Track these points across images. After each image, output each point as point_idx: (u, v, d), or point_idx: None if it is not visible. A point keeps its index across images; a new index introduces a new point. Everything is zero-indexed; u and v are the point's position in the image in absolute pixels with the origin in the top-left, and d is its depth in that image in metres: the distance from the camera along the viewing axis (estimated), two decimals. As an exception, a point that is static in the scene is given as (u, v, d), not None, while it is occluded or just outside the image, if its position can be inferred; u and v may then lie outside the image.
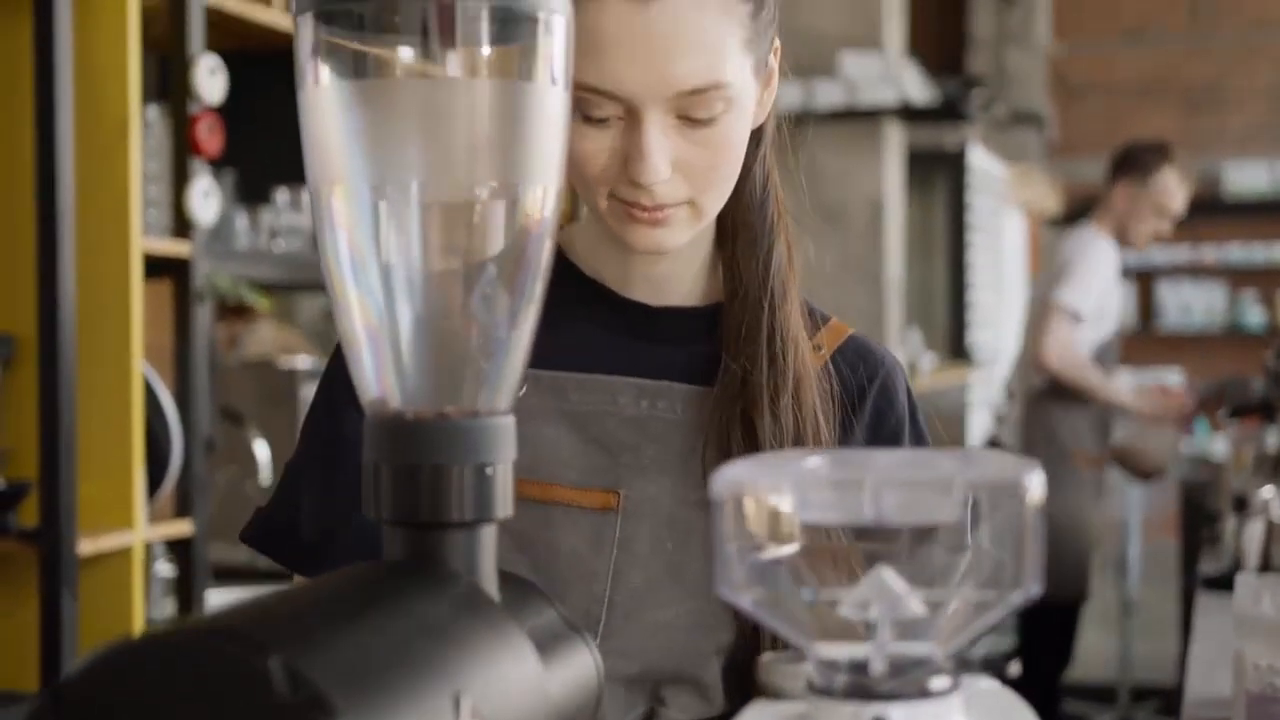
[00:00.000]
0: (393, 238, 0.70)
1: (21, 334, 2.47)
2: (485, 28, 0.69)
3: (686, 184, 1.08)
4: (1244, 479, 3.52)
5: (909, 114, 5.61)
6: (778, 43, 1.15)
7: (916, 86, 5.70)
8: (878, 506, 0.62)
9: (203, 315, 2.75)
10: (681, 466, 1.13)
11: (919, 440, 1.21)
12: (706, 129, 1.07)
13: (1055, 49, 9.52)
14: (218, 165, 2.86)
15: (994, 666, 4.40)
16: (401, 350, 0.70)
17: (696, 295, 1.20)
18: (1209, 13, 9.51)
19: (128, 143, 2.52)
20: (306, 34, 0.69)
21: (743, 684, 1.12)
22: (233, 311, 3.52)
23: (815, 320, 1.21)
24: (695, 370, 1.15)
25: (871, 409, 1.19)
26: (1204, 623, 2.48)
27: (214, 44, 2.79)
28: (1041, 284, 4.14)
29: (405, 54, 0.72)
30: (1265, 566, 2.65)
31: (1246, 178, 9.41)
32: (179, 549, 2.82)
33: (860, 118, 5.49)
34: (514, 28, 0.70)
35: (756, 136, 1.18)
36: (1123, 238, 4.08)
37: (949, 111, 5.86)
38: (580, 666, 0.74)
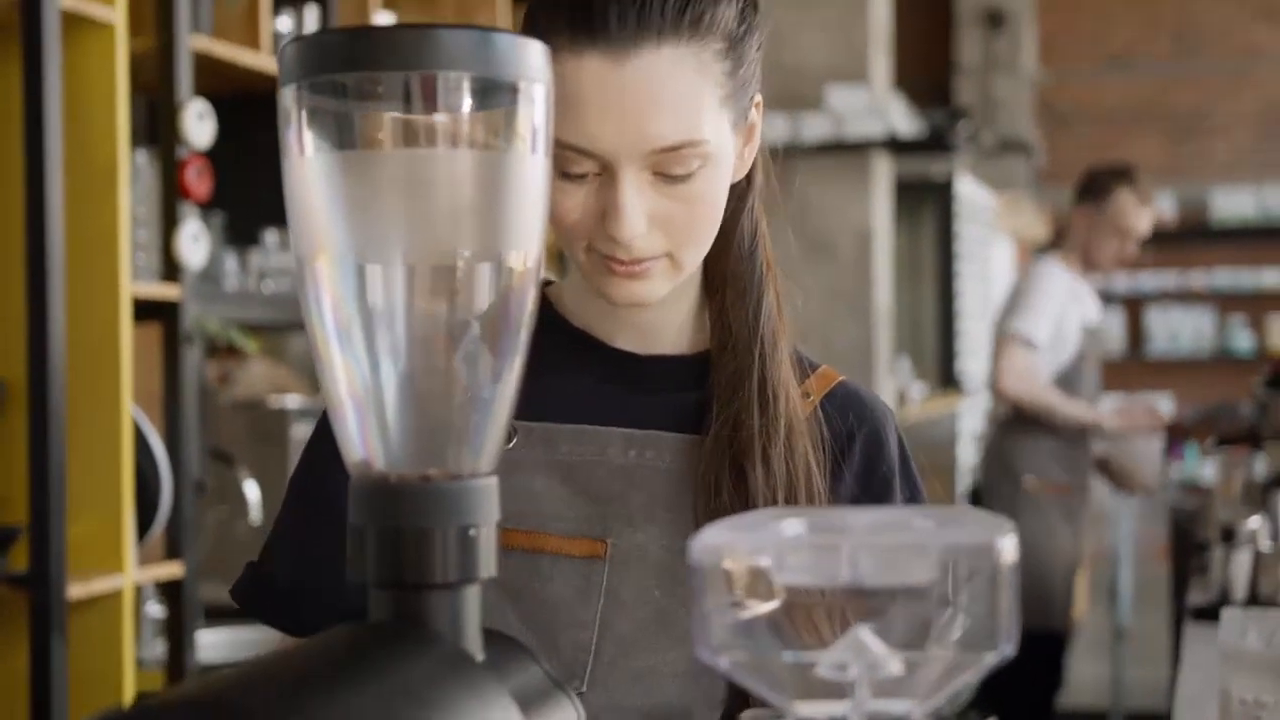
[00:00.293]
0: (376, 305, 0.71)
1: (11, 378, 2.48)
2: (466, 97, 0.70)
3: (664, 238, 1.10)
4: (1232, 508, 3.53)
5: (896, 146, 5.64)
6: (759, 97, 1.16)
7: (903, 118, 5.73)
8: (855, 569, 0.63)
9: (192, 358, 2.76)
10: (669, 515, 1.14)
11: (911, 487, 1.22)
12: (683, 185, 1.09)
13: (1042, 77, 9.58)
14: (206, 207, 2.87)
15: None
16: (385, 414, 0.71)
17: (684, 344, 1.21)
18: (1195, 41, 9.58)
19: (117, 187, 2.53)
20: (292, 105, 0.71)
21: None
22: (225, 349, 3.53)
23: (804, 368, 1.22)
24: (684, 419, 1.17)
25: (861, 456, 1.20)
26: (1191, 654, 2.49)
27: (203, 86, 2.81)
28: (1001, 315, 4.18)
29: (388, 124, 0.74)
30: (1253, 597, 2.66)
31: (1233, 204, 9.46)
32: (169, 589, 2.82)
33: (848, 150, 5.52)
34: (495, 97, 0.71)
35: (743, 188, 1.19)
36: (1088, 263, 4.10)
37: (936, 143, 5.89)
38: (564, 725, 0.74)
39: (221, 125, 2.78)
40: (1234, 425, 6.94)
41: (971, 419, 6.99)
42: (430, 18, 3.64)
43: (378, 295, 0.71)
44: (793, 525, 0.66)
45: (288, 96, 0.71)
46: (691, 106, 1.07)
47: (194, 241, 2.73)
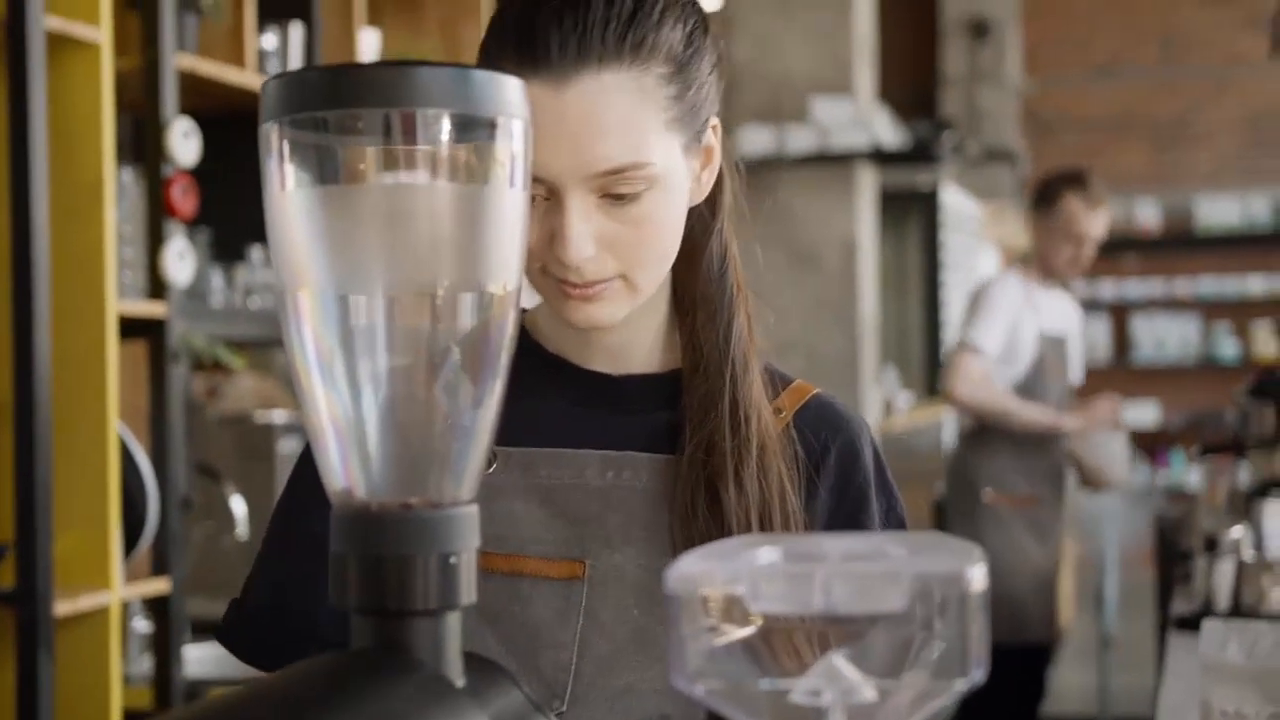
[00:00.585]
0: (358, 335, 0.72)
1: (-2, 396, 2.48)
2: (446, 133, 0.72)
3: (615, 260, 1.11)
4: (1216, 517, 3.54)
5: (881, 157, 5.66)
6: (715, 120, 1.17)
7: (887, 130, 5.75)
8: (828, 597, 0.64)
9: (178, 375, 2.77)
10: (646, 535, 1.15)
11: (888, 497, 1.23)
12: (630, 207, 1.10)
13: (1027, 86, 9.60)
14: (192, 224, 2.88)
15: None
16: (367, 443, 0.73)
17: (656, 362, 1.22)
18: (1179, 49, 9.61)
19: (103, 205, 2.54)
20: (273, 141, 0.72)
21: None
22: (213, 363, 3.54)
23: (777, 383, 1.23)
24: (659, 438, 1.18)
25: (836, 469, 1.20)
26: (1174, 664, 2.50)
27: (188, 104, 2.82)
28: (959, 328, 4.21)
29: (369, 160, 0.75)
30: (1236, 607, 2.66)
31: (1218, 211, 9.49)
32: (156, 605, 2.82)
33: (832, 161, 5.54)
34: (473, 132, 0.73)
35: (711, 210, 1.21)
36: (1048, 270, 4.10)
37: (920, 154, 5.91)
38: (543, 749, 0.75)
39: (207, 142, 2.79)
40: (1219, 433, 6.97)
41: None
42: (414, 35, 3.65)
43: (359, 326, 0.72)
44: (767, 553, 0.67)
45: (269, 133, 0.72)
46: (634, 130, 1.08)
47: (180, 259, 2.74)
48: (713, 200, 1.21)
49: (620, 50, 1.08)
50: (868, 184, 5.77)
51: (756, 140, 5.63)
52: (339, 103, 0.71)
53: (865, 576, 0.65)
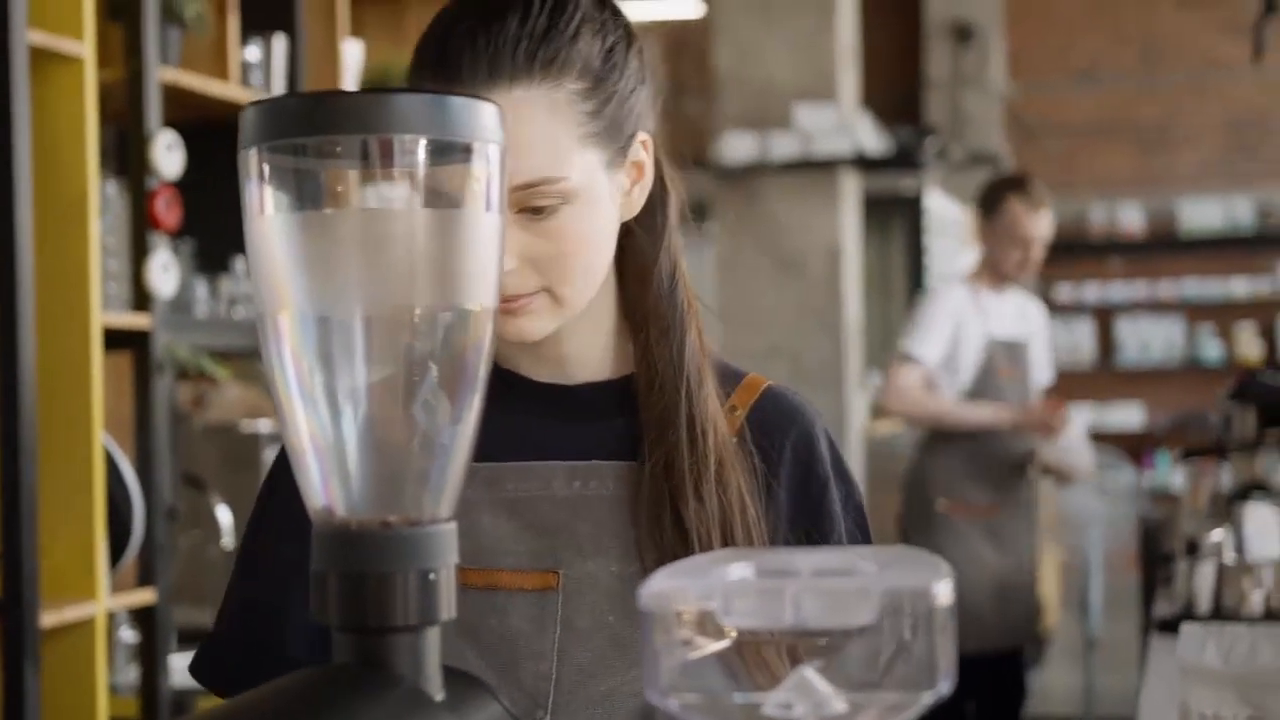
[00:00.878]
0: (337, 356, 0.74)
1: (-17, 408, 2.49)
2: (422, 158, 0.73)
3: (536, 275, 1.12)
4: (1197, 521, 3.56)
5: (864, 163, 5.68)
6: (644, 135, 1.18)
7: (870, 136, 5.77)
8: (798, 612, 0.66)
9: (163, 386, 2.78)
10: (616, 541, 1.16)
11: (845, 485, 1.24)
12: (548, 221, 1.11)
13: (1010, 90, 9.63)
14: (176, 235, 2.89)
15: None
16: (346, 462, 0.74)
17: (608, 369, 1.23)
18: (1160, 53, 9.65)
19: (87, 218, 2.55)
20: (252, 167, 0.73)
21: None
22: (198, 374, 3.54)
23: (730, 379, 1.24)
24: (619, 445, 1.19)
25: (793, 464, 1.22)
26: (1156, 666, 2.51)
27: (171, 116, 2.83)
28: None
29: (347, 184, 0.77)
30: (1217, 610, 2.68)
31: (1200, 214, 9.53)
32: (142, 615, 2.83)
33: (816, 167, 5.56)
34: (449, 157, 0.74)
35: (658, 227, 1.21)
36: (998, 275, 4.10)
37: (903, 160, 5.93)
38: (521, 763, 0.77)
39: (191, 154, 2.80)
40: (1203, 435, 7.00)
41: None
42: (397, 47, 3.66)
43: (338, 348, 0.74)
44: (739, 569, 0.69)
45: (249, 158, 0.73)
46: (547, 145, 1.10)
47: (164, 271, 2.75)
48: (656, 217, 1.21)
49: (530, 67, 1.09)
50: (851, 190, 5.79)
51: (740, 147, 5.65)
52: (317, 129, 0.73)
53: (835, 592, 0.66)
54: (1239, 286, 9.45)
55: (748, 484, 1.18)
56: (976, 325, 4.02)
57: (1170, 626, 2.69)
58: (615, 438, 1.19)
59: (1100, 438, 8.76)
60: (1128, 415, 9.62)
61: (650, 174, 1.20)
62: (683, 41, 9.77)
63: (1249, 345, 9.43)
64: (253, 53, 3.12)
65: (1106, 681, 5.25)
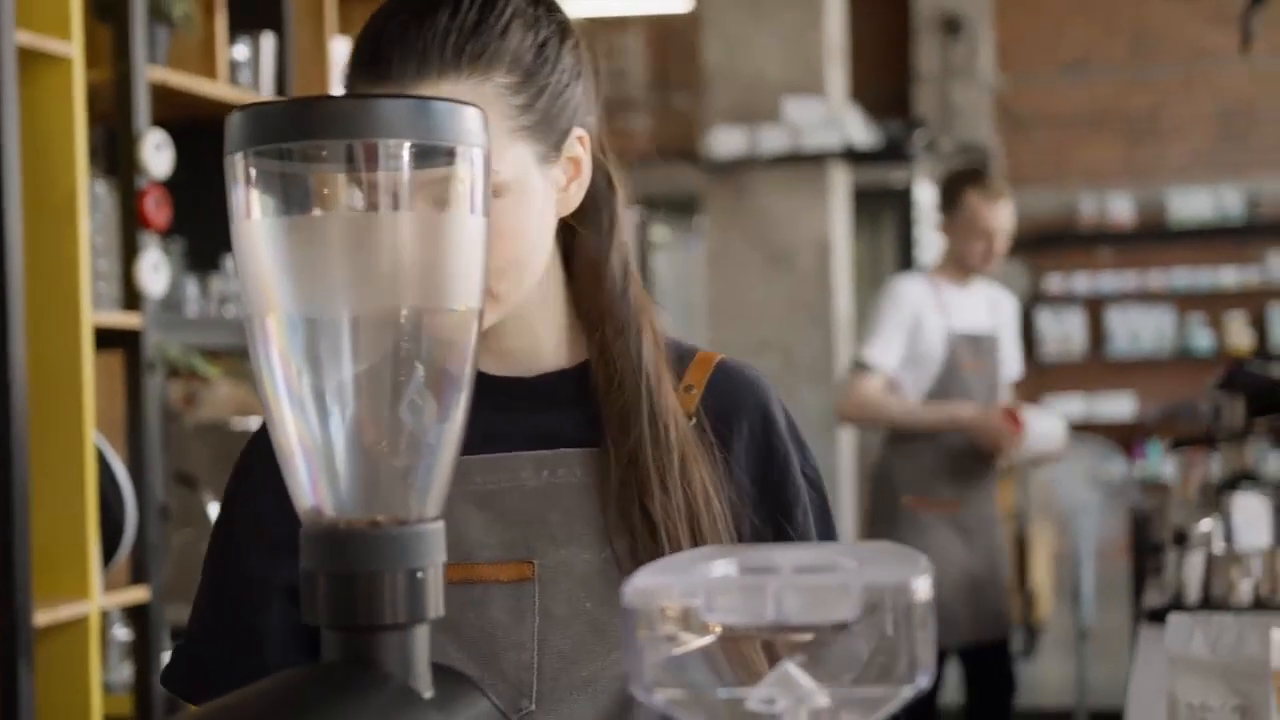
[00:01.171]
0: (324, 359, 0.74)
1: (-26, 408, 2.49)
2: (406, 162, 0.74)
3: None
4: (1187, 511, 3.58)
5: (853, 156, 5.69)
6: (581, 132, 1.18)
7: (859, 129, 5.78)
8: (780, 608, 0.67)
9: (154, 385, 2.78)
10: (587, 528, 1.18)
11: (801, 453, 1.26)
12: None
13: (1000, 82, 9.64)
14: (166, 234, 2.89)
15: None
16: (334, 463, 0.75)
17: (564, 359, 1.24)
18: (1149, 44, 9.67)
19: (76, 217, 2.55)
20: (239, 172, 0.74)
21: None
22: (189, 372, 3.55)
23: (682, 357, 1.26)
24: (582, 433, 1.20)
25: (750, 440, 1.24)
26: (1145, 656, 2.52)
27: (160, 115, 2.83)
28: None
29: (332, 189, 0.77)
30: (1206, 599, 2.69)
31: (1190, 205, 9.55)
32: (135, 613, 2.84)
33: (805, 161, 5.57)
34: (434, 161, 0.75)
35: (607, 225, 1.22)
36: (962, 269, 4.10)
37: (892, 153, 5.94)
38: (509, 759, 0.78)
39: (180, 152, 2.81)
40: (1194, 425, 7.02)
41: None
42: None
43: (325, 350, 0.74)
44: (722, 566, 0.70)
45: (235, 163, 0.74)
46: None
47: (154, 270, 2.76)
48: (603, 215, 1.22)
49: (458, 61, 1.10)
50: (841, 183, 5.80)
51: (729, 141, 5.65)
52: (303, 134, 0.74)
53: (816, 588, 0.67)
54: (1229, 276, 9.47)
55: (710, 474, 1.19)
56: (937, 320, 3.99)
57: (1159, 616, 2.70)
58: (577, 425, 1.21)
59: (1091, 428, 8.79)
60: (1119, 405, 9.64)
61: (588, 170, 1.19)
62: (671, 36, 9.77)
63: (1239, 335, 9.45)
64: (241, 52, 3.13)
65: (1099, 671, 5.26)
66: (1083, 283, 9.69)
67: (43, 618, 2.49)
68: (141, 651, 2.83)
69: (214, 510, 3.11)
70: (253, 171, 0.74)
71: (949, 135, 8.79)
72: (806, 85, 5.67)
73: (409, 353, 0.75)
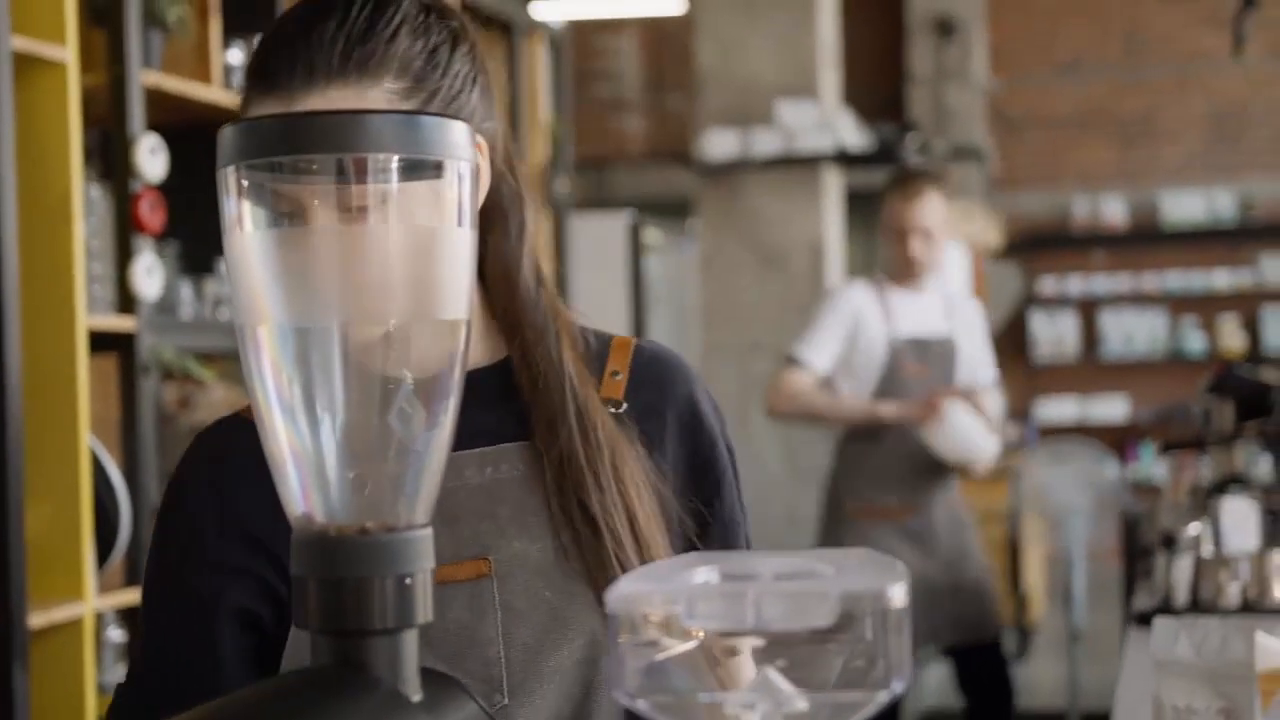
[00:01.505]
0: (315, 368, 0.76)
1: (-31, 411, 2.50)
2: (395, 176, 0.76)
3: None
4: (1177, 514, 3.59)
5: (846, 159, 5.71)
6: (480, 140, 1.17)
7: (852, 132, 5.80)
8: (759, 615, 0.68)
9: (148, 388, 2.79)
10: (536, 519, 1.19)
11: (721, 425, 1.29)
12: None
13: (993, 84, 9.67)
14: (160, 238, 2.90)
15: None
16: (325, 471, 0.76)
17: (484, 356, 1.24)
18: (1143, 46, 9.69)
19: (71, 221, 2.57)
20: (231, 185, 0.75)
21: None
22: (183, 375, 3.56)
23: (601, 344, 1.27)
24: (517, 427, 1.21)
25: (677, 428, 1.26)
26: (1133, 659, 2.53)
27: (154, 119, 2.84)
28: None
29: (323, 201, 0.79)
30: (1194, 603, 2.71)
31: (1183, 207, 9.57)
32: (130, 614, 2.85)
33: (798, 164, 5.59)
34: (422, 174, 0.77)
35: (515, 232, 1.22)
36: (900, 270, 4.04)
37: (885, 155, 5.96)
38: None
39: (174, 156, 2.82)
40: (1187, 427, 7.03)
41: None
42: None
43: (315, 360, 0.76)
44: (703, 573, 0.72)
45: (227, 177, 0.76)
46: None
47: (148, 273, 2.77)
48: (511, 222, 1.22)
49: (345, 67, 1.10)
50: (833, 186, 5.82)
51: (722, 144, 5.67)
52: (293, 148, 0.75)
53: (795, 595, 0.69)
54: (1221, 279, 9.50)
55: (642, 465, 1.21)
56: (878, 326, 3.94)
57: (1147, 619, 2.72)
58: (510, 420, 1.22)
59: (1085, 430, 8.81)
60: (1112, 407, 9.66)
61: (487, 176, 1.19)
62: (665, 38, 9.79)
63: (1232, 337, 9.48)
64: (235, 56, 3.14)
65: (1091, 673, 5.28)
66: (1076, 285, 9.71)
67: (37, 619, 2.50)
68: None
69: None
70: (245, 184, 0.76)
71: (942, 138, 8.81)
72: (800, 88, 5.69)
73: (398, 361, 0.77)
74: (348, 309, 0.76)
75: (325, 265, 0.77)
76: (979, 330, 4.16)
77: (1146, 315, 9.65)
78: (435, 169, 0.76)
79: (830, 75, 5.84)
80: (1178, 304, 9.63)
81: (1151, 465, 8.98)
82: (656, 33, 9.83)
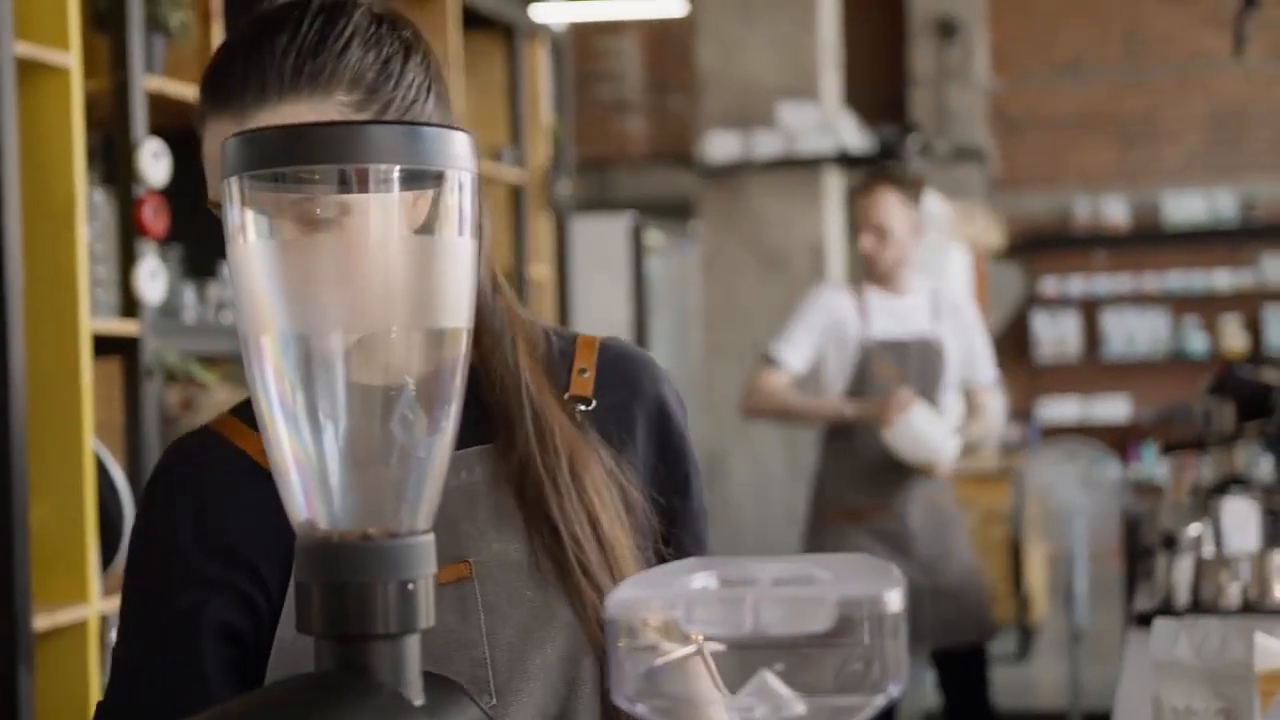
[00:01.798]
0: (317, 376, 0.77)
1: (-27, 415, 2.51)
2: (397, 186, 0.77)
3: None
4: (1178, 514, 3.59)
5: (847, 160, 5.72)
6: None
7: (853, 134, 5.81)
8: (758, 620, 0.69)
9: (152, 391, 2.80)
10: (511, 519, 1.19)
11: (684, 413, 1.30)
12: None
13: (995, 85, 9.67)
14: (164, 242, 2.91)
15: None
16: (328, 478, 0.77)
17: None
18: (1144, 47, 9.70)
19: (74, 226, 2.57)
20: (235, 195, 0.76)
21: None
22: (187, 378, 3.57)
23: (565, 343, 1.28)
24: (479, 430, 1.20)
25: (645, 426, 1.26)
26: (1133, 660, 2.54)
27: (157, 123, 2.85)
28: None
29: (325, 211, 0.80)
30: (1195, 603, 2.71)
31: (1184, 207, 9.58)
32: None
33: (800, 165, 5.60)
34: (423, 184, 0.78)
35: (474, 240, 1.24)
36: (873, 274, 3.99)
37: (886, 157, 5.97)
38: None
39: (177, 161, 2.83)
40: (1189, 427, 7.04)
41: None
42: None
43: (318, 368, 0.77)
44: (702, 579, 0.72)
45: (231, 187, 0.77)
46: None
47: (152, 277, 2.78)
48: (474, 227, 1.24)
49: (297, 81, 1.11)
50: (834, 187, 5.83)
51: (723, 146, 5.68)
52: (296, 159, 0.76)
53: (793, 600, 0.69)
54: (1223, 279, 9.51)
55: (604, 468, 1.21)
56: (852, 328, 3.94)
57: (1148, 620, 2.72)
58: (475, 423, 1.20)
59: (1086, 430, 8.82)
60: (1114, 408, 9.67)
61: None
62: (667, 40, 9.79)
63: (1234, 337, 9.48)
64: (238, 59, 3.14)
65: (1092, 673, 5.28)
66: (1078, 285, 9.72)
67: (42, 622, 2.51)
68: (139, 655, 2.84)
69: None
70: (248, 195, 0.76)
71: (944, 139, 8.82)
72: (801, 89, 5.70)
73: (400, 369, 0.78)
74: (350, 317, 0.77)
75: (328, 274, 0.78)
76: (974, 331, 4.13)
77: (1148, 316, 9.66)
78: (436, 179, 0.77)
79: (831, 76, 5.85)
80: (1179, 304, 9.64)
81: (1153, 465, 8.99)
82: (657, 34, 9.84)
